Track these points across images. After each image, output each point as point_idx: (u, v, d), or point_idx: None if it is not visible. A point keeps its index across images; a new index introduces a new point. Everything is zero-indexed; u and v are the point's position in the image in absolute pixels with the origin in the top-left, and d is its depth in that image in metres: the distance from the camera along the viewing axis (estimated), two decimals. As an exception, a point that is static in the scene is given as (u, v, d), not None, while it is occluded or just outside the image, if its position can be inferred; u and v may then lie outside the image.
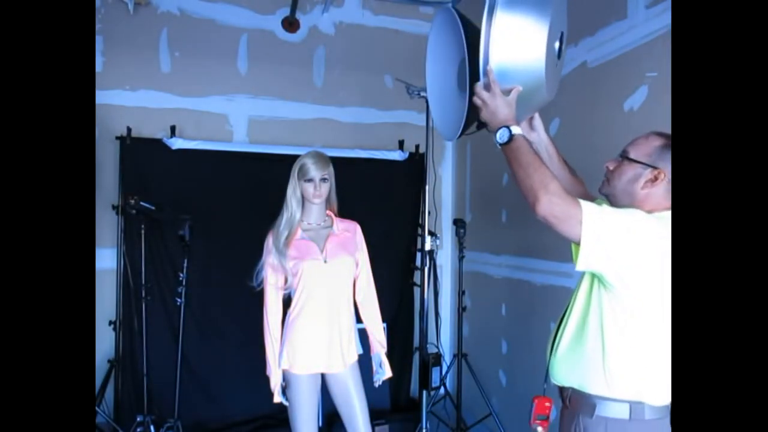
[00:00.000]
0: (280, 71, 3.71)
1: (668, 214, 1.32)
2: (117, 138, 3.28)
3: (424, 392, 2.36)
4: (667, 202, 1.36)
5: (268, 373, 2.20)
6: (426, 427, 2.29)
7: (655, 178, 1.35)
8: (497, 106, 1.36)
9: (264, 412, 3.34)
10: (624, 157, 1.40)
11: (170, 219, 2.91)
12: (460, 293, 3.35)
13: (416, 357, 3.89)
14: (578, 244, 1.27)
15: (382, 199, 3.74)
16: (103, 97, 3.32)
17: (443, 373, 3.51)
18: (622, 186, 1.40)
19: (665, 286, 1.21)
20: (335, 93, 3.84)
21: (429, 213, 2.49)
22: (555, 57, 1.44)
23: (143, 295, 2.93)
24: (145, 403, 2.90)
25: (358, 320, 2.32)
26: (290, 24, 3.73)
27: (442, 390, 3.39)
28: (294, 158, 2.22)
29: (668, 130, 1.16)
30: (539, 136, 1.69)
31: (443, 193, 4.15)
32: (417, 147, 3.88)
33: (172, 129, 3.35)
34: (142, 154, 3.28)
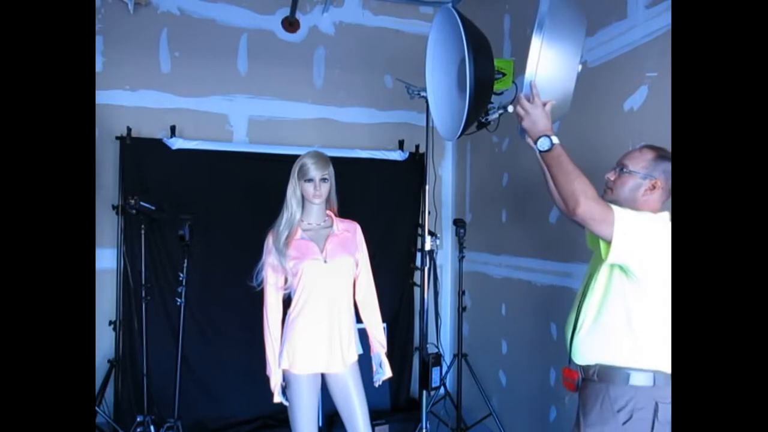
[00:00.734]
0: (280, 71, 3.71)
1: (666, 214, 1.56)
2: (117, 138, 3.28)
3: (424, 392, 2.36)
4: (660, 204, 1.60)
5: (268, 373, 2.20)
6: (426, 427, 2.29)
7: (653, 187, 1.57)
8: (538, 116, 1.54)
9: (264, 412, 3.35)
10: (623, 169, 1.60)
11: (170, 219, 2.91)
12: (460, 293, 3.35)
13: (416, 357, 3.89)
14: (606, 241, 1.47)
15: (382, 199, 3.73)
16: (103, 97, 3.32)
17: (443, 373, 3.50)
18: (624, 195, 1.61)
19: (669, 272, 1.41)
20: (335, 93, 3.84)
21: (429, 213, 2.49)
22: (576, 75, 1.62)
23: (143, 295, 2.93)
24: (145, 403, 2.90)
25: (358, 320, 2.32)
26: (290, 24, 3.73)
27: (442, 390, 3.39)
28: (294, 158, 2.22)
29: (668, 130, 1.22)
30: None
31: (443, 193, 4.15)
32: (417, 147, 3.88)
33: (172, 129, 3.35)
34: (142, 154, 3.28)
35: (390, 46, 3.93)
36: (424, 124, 2.30)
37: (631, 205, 1.58)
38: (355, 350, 2.25)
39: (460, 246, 3.28)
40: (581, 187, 1.45)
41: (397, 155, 3.79)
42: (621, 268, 1.55)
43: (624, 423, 1.52)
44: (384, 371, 2.33)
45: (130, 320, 3.19)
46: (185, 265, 2.77)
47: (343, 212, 2.35)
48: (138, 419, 2.84)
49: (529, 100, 1.55)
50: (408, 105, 3.62)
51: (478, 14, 3.11)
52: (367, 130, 3.91)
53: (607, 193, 1.66)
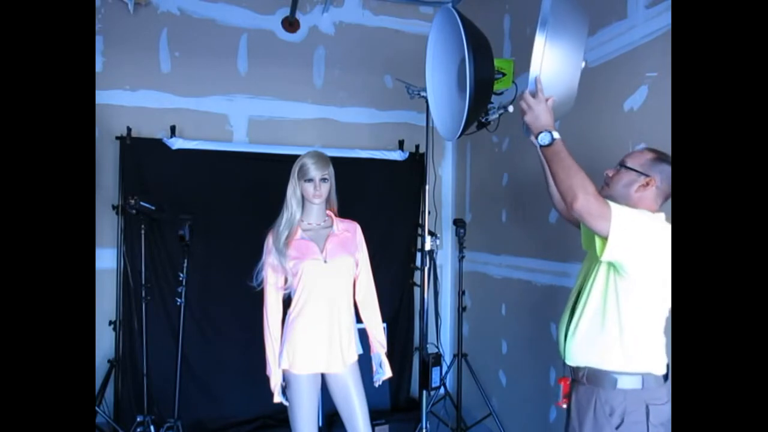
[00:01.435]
0: (280, 71, 3.71)
1: (660, 215, 1.58)
2: (117, 138, 3.28)
3: (424, 392, 2.36)
4: (655, 204, 1.62)
5: (268, 373, 2.20)
6: (426, 427, 2.29)
7: (647, 184, 1.60)
8: (541, 111, 1.55)
9: (264, 412, 3.35)
10: (622, 166, 1.65)
11: (170, 219, 2.91)
12: (460, 293, 3.35)
13: (416, 357, 3.89)
14: (602, 238, 1.48)
15: (382, 199, 3.73)
16: (103, 97, 3.32)
17: (443, 373, 3.50)
18: (619, 190, 1.64)
19: (667, 273, 1.46)
20: (335, 93, 3.84)
21: (429, 213, 2.49)
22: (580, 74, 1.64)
23: (143, 295, 2.93)
24: (145, 403, 2.90)
25: (358, 320, 2.32)
26: (290, 24, 3.73)
27: (442, 390, 3.39)
28: (294, 158, 2.22)
29: (668, 130, 1.23)
30: None
31: (443, 193, 4.15)
32: (417, 147, 3.88)
33: (172, 129, 3.35)
34: (142, 154, 3.28)
35: (390, 46, 3.93)
36: (424, 124, 2.30)
37: (625, 200, 1.60)
38: (355, 350, 2.25)
39: (460, 246, 3.28)
40: (580, 182, 1.45)
41: (397, 155, 3.79)
42: (614, 267, 1.56)
43: (617, 427, 1.54)
44: (384, 371, 2.33)
45: (130, 320, 3.19)
46: (185, 265, 2.77)
47: (343, 212, 2.35)
48: (138, 419, 2.84)
49: (533, 96, 1.57)
50: (408, 105, 3.62)
51: (478, 14, 3.11)
52: (367, 130, 3.91)
53: (604, 189, 1.68)
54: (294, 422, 2.16)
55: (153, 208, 2.82)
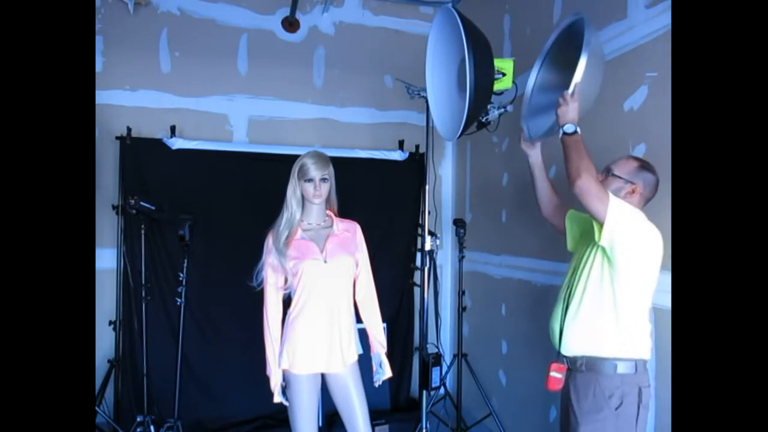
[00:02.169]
0: (280, 71, 3.71)
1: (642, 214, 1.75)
2: (117, 138, 3.28)
3: (424, 392, 2.35)
4: (639, 209, 1.77)
5: (268, 373, 2.20)
6: (426, 427, 2.29)
7: (633, 191, 1.78)
8: (572, 108, 1.76)
9: (264, 412, 3.35)
10: (610, 172, 1.82)
11: (170, 219, 2.91)
12: (460, 293, 3.35)
13: (416, 357, 3.89)
14: (599, 223, 1.65)
15: (382, 199, 3.73)
16: (103, 97, 3.32)
17: (443, 373, 3.50)
18: None
19: (653, 264, 1.69)
20: (335, 93, 3.84)
21: (429, 213, 2.49)
22: None
23: (143, 295, 2.93)
24: (145, 403, 2.90)
25: (358, 320, 2.32)
26: (290, 24, 3.73)
27: (442, 390, 3.39)
28: (294, 158, 2.21)
29: (668, 130, 1.25)
30: (536, 153, 2.10)
31: (443, 193, 4.15)
32: (417, 147, 3.88)
33: (172, 129, 3.35)
34: (142, 154, 3.28)
35: (390, 46, 3.93)
36: (424, 124, 2.30)
37: None
38: (355, 350, 2.25)
39: (460, 246, 3.28)
40: (587, 165, 1.65)
41: (397, 155, 3.79)
42: (608, 258, 1.72)
43: (616, 408, 1.70)
44: (384, 371, 2.33)
45: (130, 320, 3.19)
46: (185, 265, 2.77)
47: (343, 212, 2.35)
48: (138, 419, 2.84)
49: (571, 96, 1.78)
50: (408, 105, 3.62)
51: (478, 14, 3.11)
52: (367, 130, 3.91)
53: None
54: (294, 422, 2.16)
55: (153, 208, 2.82)
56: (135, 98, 3.41)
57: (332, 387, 2.23)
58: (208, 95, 3.56)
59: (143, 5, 3.40)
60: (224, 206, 3.41)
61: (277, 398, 2.18)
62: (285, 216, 2.17)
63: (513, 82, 1.99)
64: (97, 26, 3.33)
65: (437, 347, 3.25)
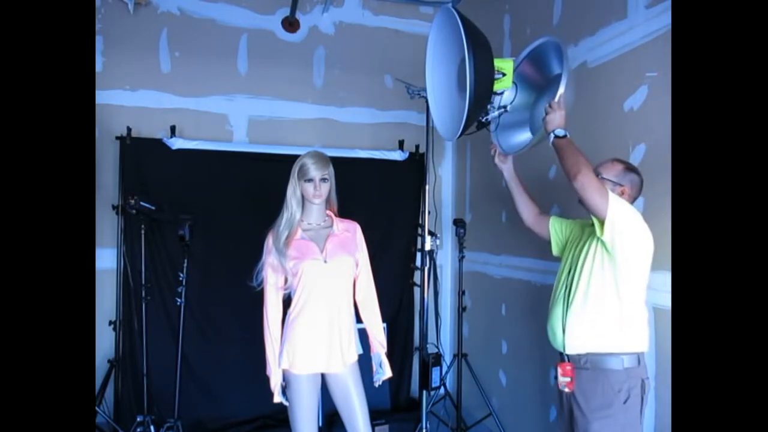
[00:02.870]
0: (280, 71, 3.71)
1: None
2: (117, 138, 3.28)
3: (424, 392, 2.35)
4: None
5: (268, 373, 2.20)
6: (426, 427, 2.29)
7: (622, 192, 1.85)
8: (561, 115, 1.85)
9: (264, 412, 3.35)
10: (598, 176, 1.85)
11: (170, 219, 2.91)
12: (460, 293, 3.35)
13: (416, 357, 3.89)
14: (599, 219, 1.72)
15: (382, 199, 3.73)
16: (103, 97, 3.32)
17: (443, 373, 3.50)
18: None
19: (647, 258, 1.77)
20: (335, 93, 3.84)
21: (429, 213, 2.49)
22: None
23: (143, 295, 2.93)
24: (145, 403, 2.90)
25: (358, 320, 2.32)
26: (290, 24, 3.73)
27: (442, 390, 3.39)
28: (294, 158, 2.21)
29: (668, 129, 1.26)
30: (509, 167, 2.28)
31: (443, 193, 4.15)
32: (417, 147, 3.88)
33: (172, 129, 3.35)
34: (142, 154, 3.28)
35: (390, 46, 3.93)
36: (424, 124, 2.30)
37: None
38: (355, 350, 2.25)
39: (460, 246, 3.28)
40: (585, 162, 1.72)
41: (397, 155, 3.79)
42: (608, 254, 1.77)
43: (624, 402, 1.75)
44: (384, 371, 2.32)
45: (130, 320, 3.18)
46: (185, 265, 2.77)
47: (343, 212, 2.35)
48: (138, 419, 2.84)
49: (558, 104, 1.88)
50: (408, 105, 3.62)
51: (478, 14, 3.11)
52: (367, 130, 3.91)
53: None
54: (294, 422, 2.16)
55: (153, 208, 2.82)
56: (135, 98, 3.41)
57: (332, 387, 2.23)
58: (208, 95, 3.56)
59: (143, 5, 3.40)
60: (224, 206, 3.41)
61: (277, 398, 2.18)
62: (285, 216, 2.17)
63: (513, 82, 1.99)
64: (97, 26, 3.33)
65: (437, 347, 3.25)
